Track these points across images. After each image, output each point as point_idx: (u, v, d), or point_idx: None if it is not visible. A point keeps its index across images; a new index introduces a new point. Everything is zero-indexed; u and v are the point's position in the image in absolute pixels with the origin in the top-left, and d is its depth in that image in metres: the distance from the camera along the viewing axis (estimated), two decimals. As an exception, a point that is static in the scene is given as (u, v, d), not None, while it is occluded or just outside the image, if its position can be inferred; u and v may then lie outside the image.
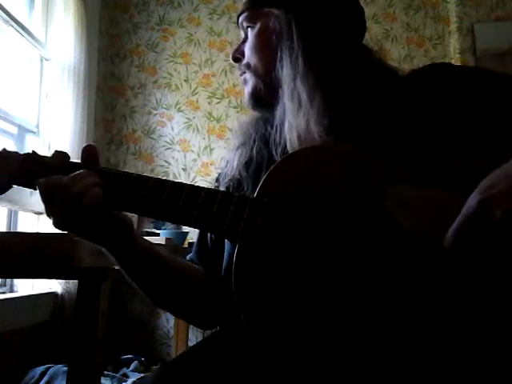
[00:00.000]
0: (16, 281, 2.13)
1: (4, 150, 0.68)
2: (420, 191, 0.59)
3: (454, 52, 2.78)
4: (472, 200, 0.50)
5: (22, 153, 0.68)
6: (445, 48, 2.86)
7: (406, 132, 0.67)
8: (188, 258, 0.89)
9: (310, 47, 0.74)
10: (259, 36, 0.79)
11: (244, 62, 0.82)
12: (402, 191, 0.60)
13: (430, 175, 0.60)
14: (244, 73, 0.82)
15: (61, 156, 0.67)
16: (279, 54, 0.76)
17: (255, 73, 0.80)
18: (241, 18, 0.83)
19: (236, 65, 0.86)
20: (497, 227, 0.47)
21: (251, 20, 0.81)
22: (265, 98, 0.80)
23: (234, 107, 2.93)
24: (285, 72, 0.75)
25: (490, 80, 0.69)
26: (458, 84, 0.69)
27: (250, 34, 0.81)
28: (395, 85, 0.74)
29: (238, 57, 0.83)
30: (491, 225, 0.47)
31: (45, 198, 0.63)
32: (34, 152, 0.68)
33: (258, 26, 0.80)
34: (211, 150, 2.91)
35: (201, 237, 0.89)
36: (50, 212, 0.63)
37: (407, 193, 0.59)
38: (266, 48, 0.78)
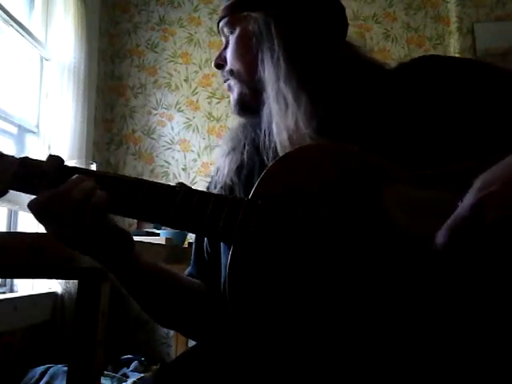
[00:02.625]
0: (16, 281, 2.13)
1: (0, 153, 0.67)
2: (418, 191, 0.58)
3: (454, 52, 2.78)
4: (466, 200, 0.49)
5: (17, 157, 0.67)
6: (445, 48, 2.86)
7: (397, 128, 0.66)
8: (187, 272, 0.88)
9: (291, 47, 0.73)
10: (239, 41, 0.78)
11: (227, 68, 0.80)
12: (400, 191, 0.59)
13: (427, 175, 0.59)
14: (228, 79, 0.81)
15: (55, 160, 0.66)
16: (260, 56, 0.75)
17: (239, 78, 0.79)
18: (221, 24, 0.82)
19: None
20: (490, 228, 0.46)
21: (231, 25, 0.80)
22: (251, 104, 0.78)
23: (234, 107, 2.92)
24: (267, 74, 0.74)
25: (481, 71, 0.68)
26: (449, 76, 0.68)
27: (231, 39, 0.80)
28: (383, 79, 0.73)
29: (220, 63, 0.82)
30: (484, 226, 0.47)
31: (42, 213, 0.61)
32: (27, 157, 0.67)
33: (237, 30, 0.79)
34: (211, 150, 2.91)
35: (197, 250, 0.87)
36: (48, 225, 0.61)
37: (405, 192, 0.59)
38: (247, 52, 0.77)
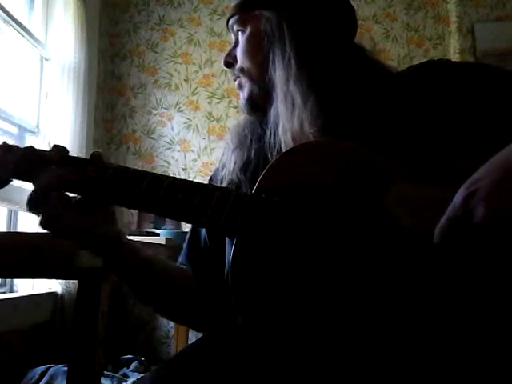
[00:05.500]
0: (16, 281, 2.13)
1: (4, 143, 0.68)
2: (420, 188, 0.59)
3: (453, 52, 2.78)
4: (458, 195, 0.51)
5: (21, 147, 0.69)
6: (445, 48, 2.86)
7: (403, 129, 0.66)
8: (179, 261, 0.88)
9: (303, 49, 0.74)
10: (251, 39, 0.78)
11: (237, 66, 0.81)
12: (403, 188, 0.59)
13: (430, 172, 0.60)
14: (238, 77, 0.81)
15: (59, 150, 0.67)
16: (271, 56, 0.75)
17: (249, 77, 0.79)
18: (231, 22, 0.82)
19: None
20: (481, 221, 0.48)
21: (242, 24, 0.80)
22: (260, 103, 0.79)
23: (234, 107, 2.92)
24: (277, 74, 0.74)
25: (489, 75, 0.69)
26: (457, 80, 0.68)
27: (241, 37, 0.80)
28: (391, 82, 0.73)
29: (230, 61, 0.82)
30: (475, 219, 0.48)
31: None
32: (31, 146, 0.69)
33: (248, 29, 0.79)
34: (211, 150, 2.91)
35: (191, 239, 0.88)
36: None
37: (407, 190, 0.59)
38: (258, 51, 0.77)
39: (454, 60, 0.75)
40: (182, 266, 0.87)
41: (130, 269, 0.73)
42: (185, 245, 0.89)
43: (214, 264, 0.80)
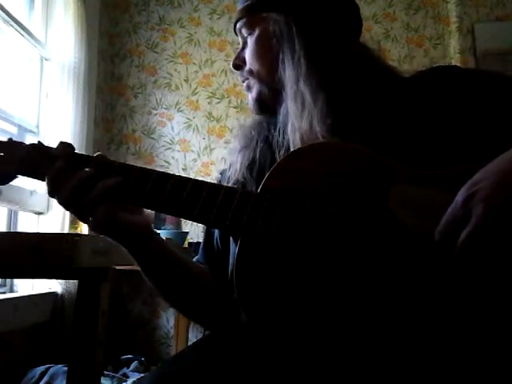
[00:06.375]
0: (16, 281, 2.13)
1: (10, 139, 0.69)
2: (423, 190, 0.60)
3: (453, 52, 2.78)
4: (459, 197, 0.53)
5: (28, 143, 0.70)
6: (445, 48, 2.86)
7: (410, 132, 0.67)
8: (195, 260, 0.90)
9: (312, 48, 0.75)
10: (260, 41, 0.79)
11: (246, 68, 0.82)
12: (406, 190, 0.60)
13: (434, 175, 0.61)
14: (246, 79, 0.82)
15: (66, 147, 0.68)
16: (281, 56, 0.76)
17: (259, 78, 0.80)
18: (238, 25, 0.82)
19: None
20: (480, 221, 0.50)
21: (250, 26, 0.80)
22: (270, 103, 0.80)
23: (234, 107, 2.92)
24: (287, 74, 0.75)
25: (495, 83, 0.70)
26: (464, 87, 0.69)
27: (250, 40, 0.81)
28: (399, 84, 0.74)
29: (239, 64, 0.83)
30: (474, 219, 0.50)
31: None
32: (39, 142, 0.70)
33: (257, 31, 0.80)
34: (211, 150, 2.91)
35: (207, 239, 0.89)
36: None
37: (411, 192, 0.60)
38: (268, 52, 0.78)
39: (456, 64, 0.75)
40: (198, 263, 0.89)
41: (153, 258, 0.75)
42: (201, 246, 0.91)
43: (226, 264, 0.81)
